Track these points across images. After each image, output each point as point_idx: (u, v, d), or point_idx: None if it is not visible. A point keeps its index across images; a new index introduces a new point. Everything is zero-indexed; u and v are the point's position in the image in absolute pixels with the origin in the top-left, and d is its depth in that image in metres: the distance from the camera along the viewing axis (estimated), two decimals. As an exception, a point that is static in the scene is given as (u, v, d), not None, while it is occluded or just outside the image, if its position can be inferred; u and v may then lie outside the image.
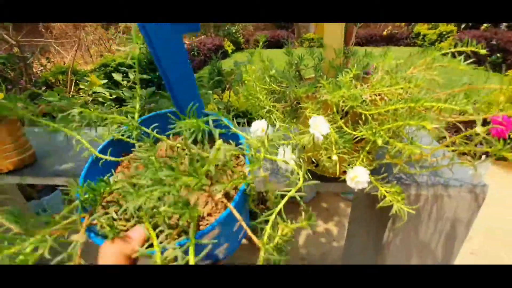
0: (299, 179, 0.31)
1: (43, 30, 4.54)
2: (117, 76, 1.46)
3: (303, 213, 0.29)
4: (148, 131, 0.36)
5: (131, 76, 1.40)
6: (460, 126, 0.42)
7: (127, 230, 0.26)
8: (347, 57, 0.55)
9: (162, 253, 0.22)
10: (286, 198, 0.29)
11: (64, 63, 3.82)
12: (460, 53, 0.46)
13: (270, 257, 0.23)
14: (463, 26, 5.68)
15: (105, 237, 0.25)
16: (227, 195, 0.30)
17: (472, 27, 5.53)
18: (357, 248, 0.92)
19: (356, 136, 0.43)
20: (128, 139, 0.37)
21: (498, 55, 4.08)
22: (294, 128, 0.51)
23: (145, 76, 0.49)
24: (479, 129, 0.31)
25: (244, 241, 1.38)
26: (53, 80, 2.68)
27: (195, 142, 0.37)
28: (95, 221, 0.26)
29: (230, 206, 0.27)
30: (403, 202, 0.35)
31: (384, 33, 6.45)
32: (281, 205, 0.28)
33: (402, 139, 0.43)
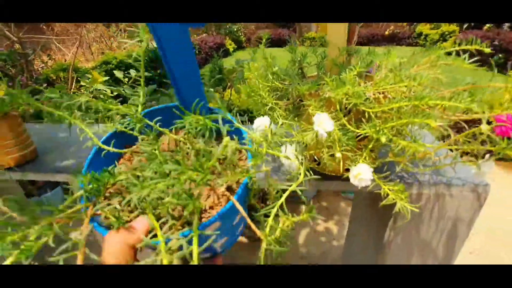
0: (300, 174, 0.31)
1: (44, 27, 4.53)
2: (118, 74, 1.46)
3: (303, 207, 0.29)
4: (152, 123, 0.36)
5: (133, 73, 1.40)
6: (464, 124, 0.41)
7: (130, 221, 0.26)
8: (350, 55, 0.55)
9: (166, 243, 0.22)
10: (288, 192, 0.29)
11: (65, 61, 3.82)
12: (463, 51, 0.46)
13: (271, 248, 0.24)
14: (465, 26, 5.66)
15: (108, 228, 0.25)
16: (229, 189, 0.31)
17: (474, 27, 5.51)
18: (357, 247, 0.92)
19: (359, 134, 0.43)
20: (131, 132, 0.37)
21: (501, 55, 4.06)
22: (296, 125, 0.51)
23: (146, 73, 0.49)
24: (484, 127, 0.31)
25: (244, 240, 1.38)
26: (54, 77, 2.68)
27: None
28: (98, 211, 0.26)
29: (233, 199, 0.27)
30: (406, 200, 0.35)
31: (386, 32, 6.43)
32: (282, 199, 0.28)
33: (405, 137, 0.43)
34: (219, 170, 0.25)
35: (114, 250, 0.23)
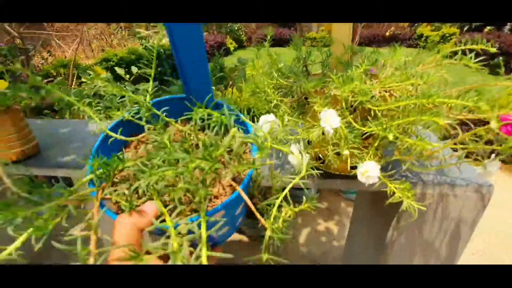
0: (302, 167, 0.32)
1: (44, 23, 4.52)
2: (119, 70, 1.45)
3: (305, 198, 0.30)
4: (159, 113, 0.36)
5: (134, 70, 1.40)
6: (470, 124, 0.41)
7: (139, 206, 0.26)
8: (355, 53, 0.55)
9: (174, 228, 0.22)
10: (291, 185, 0.29)
11: (65, 57, 3.81)
12: (464, 52, 0.46)
13: (274, 235, 0.25)
14: (466, 28, 5.67)
15: (116, 213, 0.26)
16: (233, 180, 0.31)
17: (475, 30, 5.52)
18: (359, 247, 0.92)
19: (364, 132, 0.42)
20: (138, 121, 0.37)
21: (501, 58, 4.06)
22: (301, 123, 0.50)
23: (148, 70, 0.49)
24: (493, 125, 0.30)
25: (245, 240, 1.37)
26: (55, 73, 2.67)
27: (203, 129, 0.38)
28: (107, 196, 0.26)
29: (239, 188, 0.28)
30: (413, 199, 0.35)
31: (387, 34, 6.44)
32: (286, 190, 0.29)
33: (410, 136, 0.43)
34: (227, 159, 0.26)
35: (125, 232, 0.23)
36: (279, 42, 6.10)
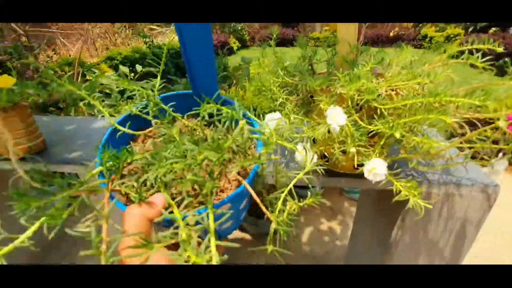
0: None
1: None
2: (124, 69, 1.46)
3: (309, 193, 0.30)
4: (166, 108, 0.37)
5: (138, 68, 1.40)
6: (477, 123, 0.41)
7: (147, 198, 0.27)
8: (361, 52, 0.55)
9: (182, 219, 0.23)
10: (296, 179, 0.30)
11: (70, 56, 3.83)
12: (470, 52, 0.46)
13: (279, 228, 0.26)
14: (470, 29, 5.62)
15: (125, 204, 0.27)
16: (239, 175, 0.32)
17: (480, 31, 5.47)
18: (362, 247, 0.92)
19: (370, 131, 0.42)
20: (145, 115, 0.38)
21: (507, 59, 4.03)
22: (306, 121, 0.51)
23: (151, 69, 0.49)
24: (502, 123, 0.30)
25: (248, 238, 1.38)
26: (60, 71, 2.69)
27: (209, 124, 0.39)
28: (116, 188, 0.27)
29: (244, 182, 0.28)
30: (419, 197, 0.35)
31: (391, 34, 6.41)
32: (291, 184, 0.30)
33: (416, 135, 0.43)
34: (235, 149, 0.26)
35: (135, 222, 0.24)
36: (282, 42, 6.09)
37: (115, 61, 3.17)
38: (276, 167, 0.33)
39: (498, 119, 0.36)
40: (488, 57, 0.45)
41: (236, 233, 1.27)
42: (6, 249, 0.21)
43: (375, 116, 0.42)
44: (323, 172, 0.46)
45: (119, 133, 0.36)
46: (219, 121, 0.29)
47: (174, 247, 0.22)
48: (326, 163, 0.55)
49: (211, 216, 0.23)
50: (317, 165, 0.39)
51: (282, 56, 0.57)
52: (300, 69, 0.54)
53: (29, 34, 2.06)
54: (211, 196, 0.24)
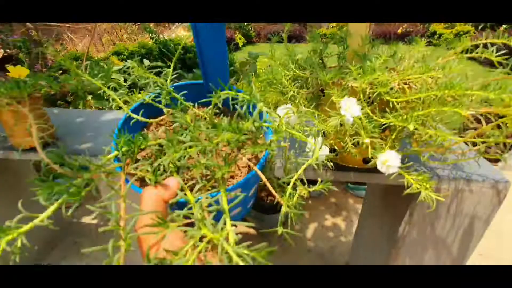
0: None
1: (57, 16, 4.56)
2: (132, 63, 1.46)
3: (319, 180, 0.31)
4: (178, 97, 0.38)
5: (146, 63, 1.41)
6: (491, 117, 0.41)
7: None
8: (374, 46, 0.54)
9: (196, 201, 0.24)
10: (305, 165, 0.31)
11: (77, 50, 3.86)
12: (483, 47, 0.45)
13: (289, 211, 0.27)
14: (480, 26, 5.51)
15: (140, 188, 0.28)
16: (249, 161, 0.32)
17: (490, 28, 5.37)
18: (367, 242, 0.92)
19: (381, 124, 0.42)
20: (157, 104, 0.39)
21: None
22: (316, 114, 0.51)
23: (159, 63, 0.50)
24: (518, 116, 0.30)
25: (251, 231, 1.38)
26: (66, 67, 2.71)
27: (218, 114, 0.41)
28: (131, 171, 0.28)
29: (255, 168, 0.29)
30: (431, 190, 0.34)
31: (399, 31, 6.31)
32: (301, 171, 0.30)
33: (428, 129, 0.43)
34: (254, 130, 0.27)
35: (151, 203, 0.24)
36: (288, 38, 6.03)
37: (122, 56, 3.19)
38: (285, 152, 0.34)
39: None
40: (503, 51, 0.45)
41: (241, 228, 1.28)
42: (26, 227, 0.22)
43: (387, 110, 0.42)
44: (332, 165, 0.47)
45: (132, 121, 0.37)
46: (234, 106, 0.30)
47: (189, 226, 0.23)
48: (336, 157, 0.55)
49: (224, 198, 0.23)
50: (326, 159, 0.39)
51: (293, 49, 0.57)
52: (310, 63, 0.53)
53: (40, 28, 2.08)
54: (224, 180, 0.25)
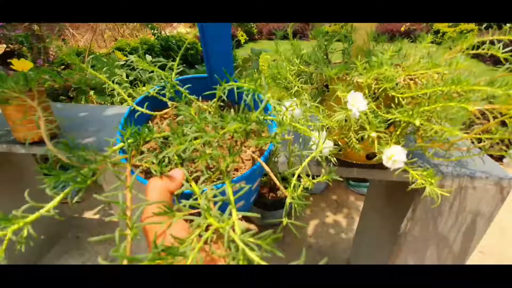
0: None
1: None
2: (134, 59, 1.46)
3: (323, 170, 0.32)
4: (182, 90, 0.38)
5: (149, 58, 1.40)
6: (497, 114, 0.40)
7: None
8: (380, 42, 0.54)
9: (201, 193, 0.24)
10: (309, 158, 0.31)
11: (79, 46, 3.85)
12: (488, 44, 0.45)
13: (294, 201, 0.27)
14: (484, 25, 5.48)
15: (145, 179, 0.28)
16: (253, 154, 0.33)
17: (495, 25, 5.32)
18: (369, 238, 0.92)
19: (386, 120, 0.42)
20: (161, 97, 0.39)
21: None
22: (321, 110, 0.50)
23: (161, 58, 0.50)
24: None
25: (252, 227, 1.40)
26: (69, 61, 2.71)
27: (222, 108, 0.41)
28: (137, 163, 0.28)
29: (260, 160, 0.29)
30: (436, 185, 0.34)
31: (402, 29, 6.28)
32: (305, 163, 0.30)
33: (434, 124, 0.43)
34: (261, 121, 0.27)
35: (157, 193, 0.25)
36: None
37: (124, 52, 3.19)
38: (289, 146, 0.34)
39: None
40: (509, 48, 0.44)
41: (242, 224, 1.28)
42: (32, 216, 0.22)
43: (392, 105, 0.42)
44: (335, 161, 0.47)
45: (137, 114, 0.37)
46: (237, 100, 0.30)
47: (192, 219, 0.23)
48: (339, 152, 0.55)
49: (229, 189, 0.23)
50: (330, 154, 0.39)
51: (298, 44, 0.56)
52: (315, 58, 0.53)
53: (40, 24, 2.07)
54: (228, 172, 0.25)
